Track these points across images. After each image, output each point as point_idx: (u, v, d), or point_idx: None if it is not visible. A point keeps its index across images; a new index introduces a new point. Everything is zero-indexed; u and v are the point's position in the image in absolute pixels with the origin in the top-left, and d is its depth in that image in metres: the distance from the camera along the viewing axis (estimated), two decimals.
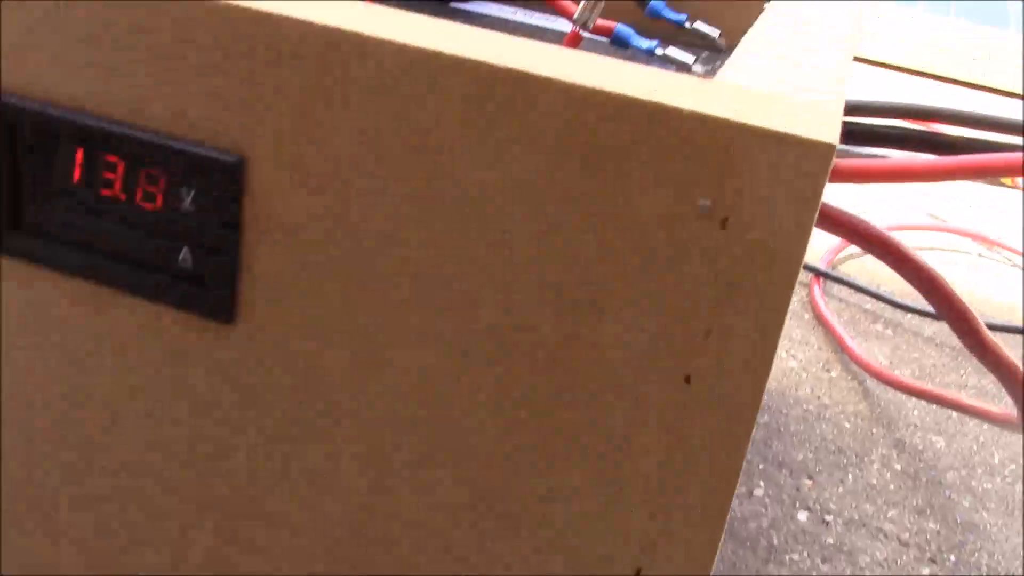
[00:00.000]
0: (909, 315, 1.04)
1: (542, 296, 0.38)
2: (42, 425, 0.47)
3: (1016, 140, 0.44)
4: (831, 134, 0.34)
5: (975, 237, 1.29)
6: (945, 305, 0.42)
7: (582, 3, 0.63)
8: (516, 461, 0.41)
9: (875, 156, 0.47)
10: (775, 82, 0.40)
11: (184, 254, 0.42)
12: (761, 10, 0.75)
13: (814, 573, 0.66)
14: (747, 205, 0.35)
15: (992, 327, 1.04)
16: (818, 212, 0.35)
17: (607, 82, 0.35)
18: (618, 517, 0.40)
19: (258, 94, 0.38)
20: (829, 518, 0.72)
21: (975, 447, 0.85)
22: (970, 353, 0.47)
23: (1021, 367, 0.49)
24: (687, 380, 0.37)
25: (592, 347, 0.38)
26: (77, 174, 0.42)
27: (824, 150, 0.33)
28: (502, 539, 0.42)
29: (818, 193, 0.34)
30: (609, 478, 0.40)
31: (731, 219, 0.35)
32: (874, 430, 0.84)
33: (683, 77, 0.37)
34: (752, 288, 0.35)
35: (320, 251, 0.40)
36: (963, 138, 0.45)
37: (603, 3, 0.64)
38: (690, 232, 0.35)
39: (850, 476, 0.78)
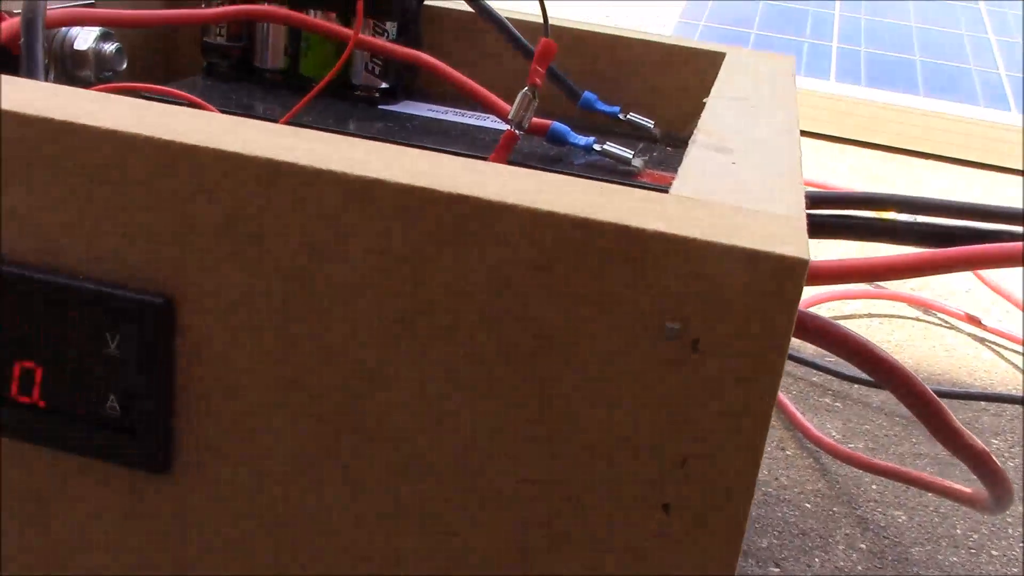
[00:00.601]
0: (856, 386, 1.03)
1: (514, 431, 0.35)
2: None
3: (996, 227, 0.43)
4: (802, 248, 0.32)
5: (912, 301, 1.30)
6: (922, 403, 0.40)
7: (516, 103, 0.61)
8: None
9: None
10: (733, 190, 0.38)
11: (111, 402, 0.38)
12: (694, 99, 0.75)
13: None
14: (719, 326, 0.33)
15: (944, 394, 1.04)
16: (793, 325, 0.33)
17: (567, 204, 0.33)
18: None
19: (186, 230, 0.36)
20: None
21: (936, 519, 0.83)
22: (943, 445, 0.46)
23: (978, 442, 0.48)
24: (665, 509, 0.35)
25: (567, 483, 0.35)
26: None
27: (797, 266, 0.32)
28: None
29: (794, 308, 0.32)
30: None
31: (703, 341, 0.33)
32: (835, 508, 0.83)
33: (642, 193, 0.35)
34: (730, 410, 0.33)
35: (262, 391, 0.37)
36: (959, 227, 0.44)
37: (536, 102, 0.62)
38: (660, 357, 0.33)
39: (816, 560, 0.76)
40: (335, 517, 0.38)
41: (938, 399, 0.42)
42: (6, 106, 0.36)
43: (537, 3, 0.65)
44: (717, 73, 0.72)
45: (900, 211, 0.47)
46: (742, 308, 0.32)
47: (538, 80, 0.63)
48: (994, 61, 2.24)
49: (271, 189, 0.34)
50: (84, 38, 0.63)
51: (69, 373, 0.38)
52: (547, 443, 0.35)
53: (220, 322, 0.36)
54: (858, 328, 1.22)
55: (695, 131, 0.49)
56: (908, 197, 0.47)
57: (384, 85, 0.72)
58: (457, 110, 0.71)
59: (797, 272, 0.32)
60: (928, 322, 1.26)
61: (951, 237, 0.44)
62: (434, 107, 0.71)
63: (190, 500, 0.39)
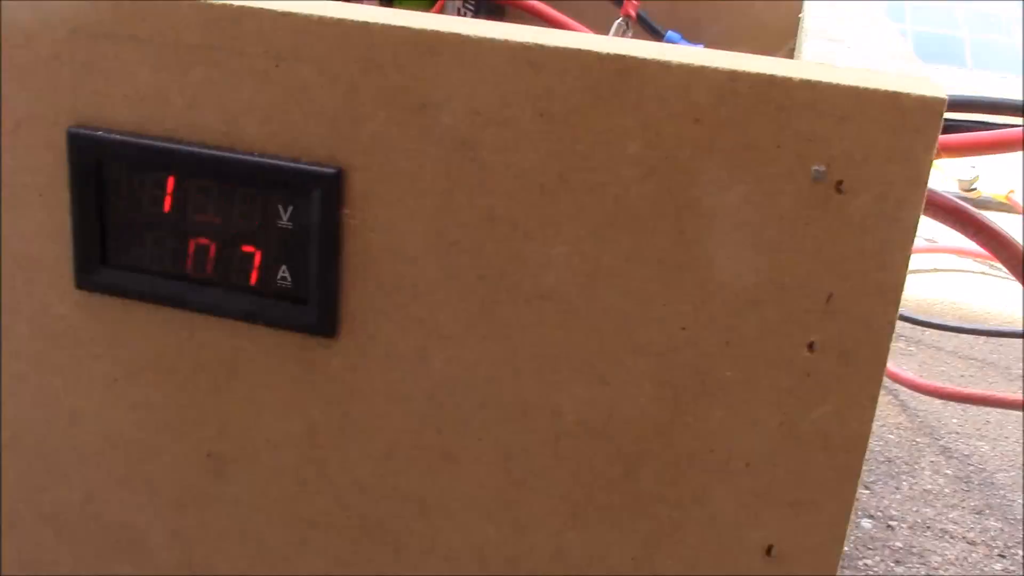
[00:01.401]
0: (928, 331, 1.05)
1: (665, 282, 0.38)
2: (139, 456, 0.46)
3: None
4: (938, 90, 0.35)
5: (969, 255, 1.31)
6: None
7: (611, 32, 0.64)
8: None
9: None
10: (857, 63, 0.41)
11: (283, 272, 0.41)
12: (774, 38, 0.77)
13: None
14: (863, 166, 0.35)
15: (998, 334, 1.05)
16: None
17: (718, 61, 0.36)
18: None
19: (356, 103, 0.39)
20: (893, 523, 0.72)
21: (1019, 449, 0.85)
22: None
23: None
24: (810, 347, 0.37)
25: (716, 329, 0.38)
26: (168, 203, 0.42)
27: (936, 105, 0.34)
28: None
29: (932, 146, 0.35)
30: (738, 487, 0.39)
31: (846, 181, 0.35)
32: (918, 439, 0.85)
33: (778, 59, 0.38)
34: (873, 247, 0.36)
35: (425, 255, 0.40)
36: None
37: (630, 32, 0.65)
38: (805, 199, 0.36)
39: (904, 484, 0.78)
40: (496, 372, 0.41)
41: None
42: None
43: None
44: (796, 13, 0.75)
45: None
46: (884, 148, 0.35)
47: (632, 11, 0.66)
48: None
49: (438, 59, 0.37)
50: None
51: (242, 247, 0.41)
52: (697, 291, 0.38)
53: (387, 190, 0.39)
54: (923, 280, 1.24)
55: (800, 34, 0.51)
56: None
57: None
58: None
59: (936, 111, 0.34)
60: (987, 273, 1.27)
61: None
62: None
63: (357, 363, 0.42)
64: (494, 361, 0.41)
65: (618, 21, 0.64)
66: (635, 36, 0.72)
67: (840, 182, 0.36)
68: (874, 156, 0.35)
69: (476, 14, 0.74)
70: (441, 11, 0.74)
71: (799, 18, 0.58)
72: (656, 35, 0.74)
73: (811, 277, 0.37)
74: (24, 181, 0.43)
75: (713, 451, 0.40)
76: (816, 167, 0.36)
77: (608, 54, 0.36)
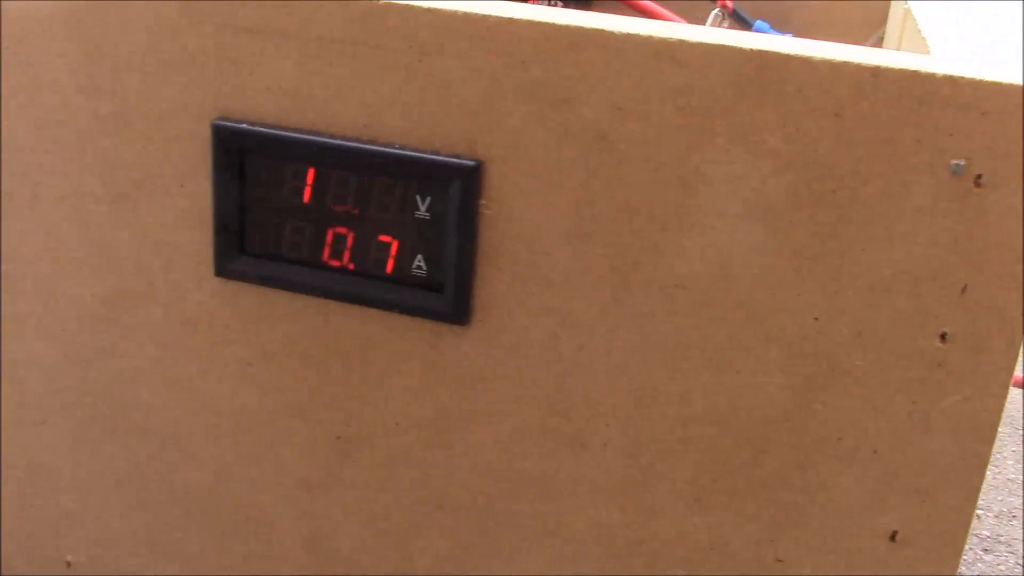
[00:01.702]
0: None
1: (800, 271, 0.39)
2: (269, 438, 0.48)
3: None
4: None
5: None
6: None
7: (708, 22, 0.65)
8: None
9: None
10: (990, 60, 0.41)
11: (418, 261, 0.43)
12: (861, 29, 0.78)
13: (979, 564, 0.66)
14: (1002, 161, 0.36)
15: None
16: None
17: (857, 56, 0.37)
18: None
19: (497, 98, 0.40)
20: (980, 512, 0.72)
21: None
22: None
23: None
24: (943, 338, 0.38)
25: (849, 318, 0.39)
26: (307, 194, 0.43)
27: None
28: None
29: None
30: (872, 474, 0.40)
31: (985, 175, 0.36)
32: (1001, 429, 0.85)
33: (914, 54, 0.39)
34: (1009, 240, 0.36)
35: (560, 244, 0.41)
36: None
37: (726, 22, 0.66)
38: (944, 192, 0.37)
39: (988, 473, 0.78)
40: (625, 359, 0.42)
41: None
42: None
43: None
44: (886, 3, 0.75)
45: None
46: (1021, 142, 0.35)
47: (728, 2, 0.66)
48: None
49: (581, 55, 0.38)
50: None
51: (379, 237, 0.43)
52: (832, 281, 0.39)
53: (525, 182, 0.41)
54: None
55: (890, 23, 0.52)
56: None
57: None
58: None
59: None
60: None
61: None
62: None
63: (488, 350, 0.43)
64: (624, 349, 0.42)
65: (715, 11, 0.65)
66: (730, 26, 0.73)
67: (979, 176, 0.36)
68: (1015, 150, 0.36)
69: (565, 6, 0.75)
70: None
71: (888, 6, 0.59)
72: (745, 25, 0.75)
73: (946, 269, 0.37)
74: (166, 171, 0.44)
75: (841, 438, 0.40)
76: (955, 161, 0.36)
77: (751, 50, 0.37)
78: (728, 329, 0.40)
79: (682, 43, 0.37)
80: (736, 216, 0.39)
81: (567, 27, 0.38)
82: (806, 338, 0.40)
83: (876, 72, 0.36)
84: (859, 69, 0.36)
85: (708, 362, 0.41)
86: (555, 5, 0.75)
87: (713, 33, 0.38)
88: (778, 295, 0.39)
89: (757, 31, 0.74)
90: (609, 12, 0.59)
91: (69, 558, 0.53)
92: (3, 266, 0.48)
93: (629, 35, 0.38)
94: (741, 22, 0.74)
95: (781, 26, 0.78)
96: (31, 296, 0.49)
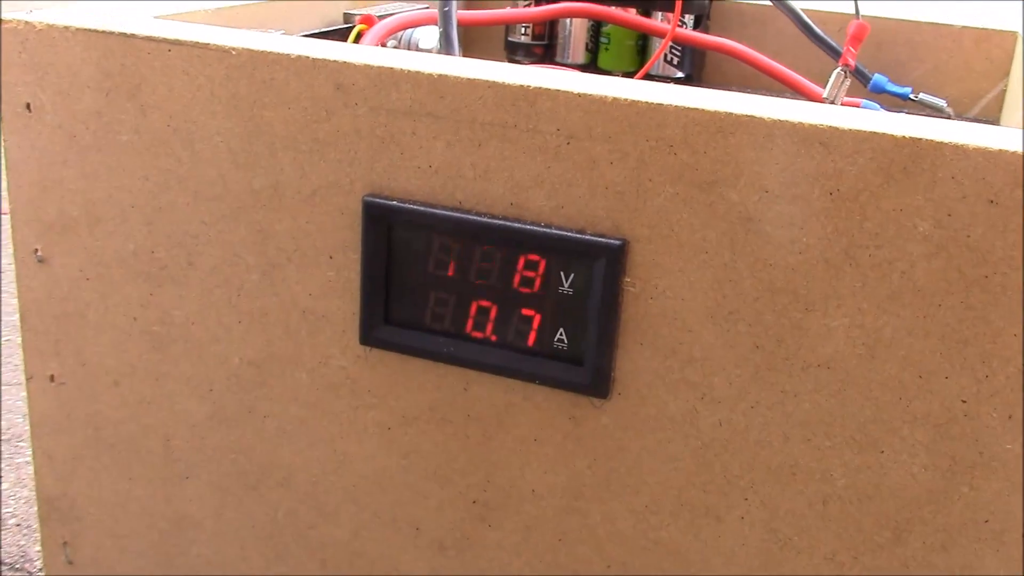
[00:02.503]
0: None
1: (945, 358, 0.39)
2: (406, 500, 0.49)
3: None
4: None
5: None
6: None
7: (830, 82, 0.65)
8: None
9: None
10: None
11: (560, 335, 0.44)
12: (982, 81, 0.77)
13: None
14: None
15: None
16: None
17: (1006, 141, 0.37)
18: None
19: (643, 179, 0.41)
20: None
21: None
22: None
23: None
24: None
25: (996, 403, 0.39)
26: (452, 267, 0.44)
27: None
28: None
29: None
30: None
31: None
32: None
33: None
34: None
35: (703, 322, 0.42)
36: None
37: (848, 81, 0.66)
38: None
39: None
40: (766, 436, 0.42)
41: None
42: (483, 76, 0.42)
43: None
44: (1007, 49, 0.74)
45: None
46: None
47: (851, 60, 0.66)
48: None
49: (729, 139, 0.39)
50: (427, 38, 0.70)
51: (522, 310, 0.44)
52: (981, 365, 0.38)
53: (669, 260, 0.41)
54: None
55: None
56: None
57: (679, 74, 0.76)
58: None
59: None
60: None
61: None
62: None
63: (627, 422, 0.44)
64: (765, 425, 0.42)
65: (837, 71, 0.65)
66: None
67: None
68: None
69: (682, 62, 0.76)
70: (650, 70, 0.76)
71: (1013, 56, 0.58)
72: (864, 79, 0.74)
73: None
74: (317, 243, 0.46)
75: (988, 521, 0.40)
76: None
77: (903, 137, 0.37)
78: (872, 409, 0.40)
79: (832, 130, 0.38)
80: (884, 298, 0.39)
81: (716, 113, 0.39)
82: (953, 421, 0.39)
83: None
84: (1015, 158, 0.36)
85: (851, 440, 0.41)
86: (672, 60, 0.76)
87: (863, 117, 0.39)
88: (925, 377, 0.39)
89: (875, 86, 0.73)
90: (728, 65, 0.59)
91: None
92: (158, 328, 0.51)
93: (778, 121, 0.38)
94: (859, 77, 0.74)
95: (899, 78, 0.78)
96: (181, 357, 0.51)
